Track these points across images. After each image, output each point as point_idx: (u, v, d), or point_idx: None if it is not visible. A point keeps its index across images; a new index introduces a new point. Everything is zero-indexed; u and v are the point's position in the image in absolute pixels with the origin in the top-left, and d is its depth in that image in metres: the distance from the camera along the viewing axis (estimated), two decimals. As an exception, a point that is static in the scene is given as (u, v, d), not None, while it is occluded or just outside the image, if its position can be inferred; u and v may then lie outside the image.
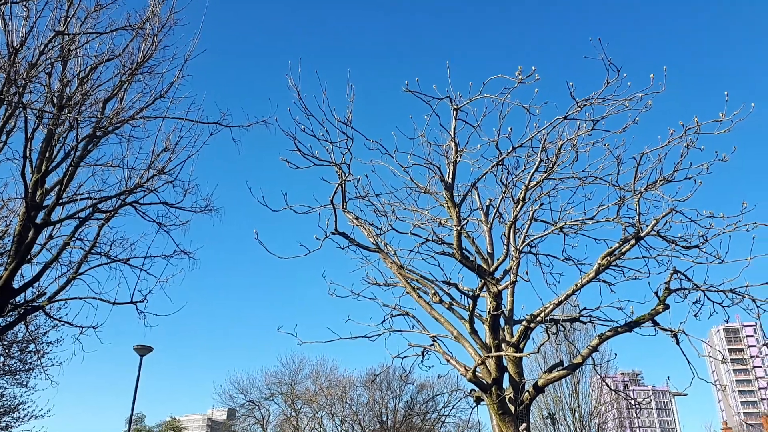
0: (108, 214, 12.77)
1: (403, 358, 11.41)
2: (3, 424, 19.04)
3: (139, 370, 23.10)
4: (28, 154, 11.28)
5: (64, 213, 12.62)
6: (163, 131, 12.79)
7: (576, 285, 10.30)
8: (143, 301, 12.91)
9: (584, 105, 9.56)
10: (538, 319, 10.64)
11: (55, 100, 11.23)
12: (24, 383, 18.95)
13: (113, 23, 11.91)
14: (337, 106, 10.45)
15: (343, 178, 10.73)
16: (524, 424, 10.06)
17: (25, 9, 10.53)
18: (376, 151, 10.78)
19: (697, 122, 9.05)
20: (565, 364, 11.02)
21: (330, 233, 10.93)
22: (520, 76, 9.31)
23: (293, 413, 46.77)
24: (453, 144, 10.45)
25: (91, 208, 12.51)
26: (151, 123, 12.70)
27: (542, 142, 9.90)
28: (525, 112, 9.79)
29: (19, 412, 19.17)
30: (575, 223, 10.90)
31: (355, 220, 11.47)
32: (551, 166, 10.17)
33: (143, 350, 23.14)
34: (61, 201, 12.02)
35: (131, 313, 12.95)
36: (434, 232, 11.25)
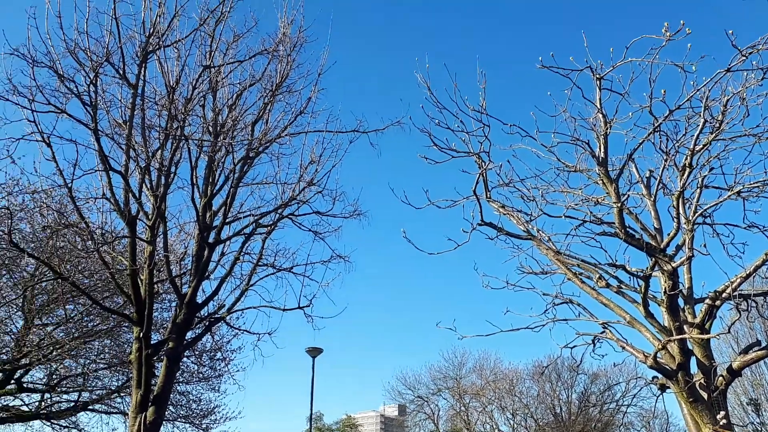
0: (269, 227, 13.67)
1: (572, 348, 10.79)
2: (204, 425, 21.28)
3: (313, 371, 24.60)
4: (195, 181, 12.44)
5: (231, 231, 13.75)
6: (307, 145, 13.49)
7: (766, 254, 8.97)
8: (309, 306, 13.68)
9: (750, 53, 8.23)
10: (724, 295, 9.45)
11: (210, 128, 12.30)
12: (216, 388, 21.06)
13: (251, 50, 12.78)
14: (470, 96, 10.14)
15: (484, 167, 10.37)
16: (722, 413, 8.96)
17: (176, 50, 11.65)
18: (515, 135, 10.29)
19: None
20: (763, 344, 9.67)
21: (476, 225, 10.63)
22: (667, 33, 8.26)
23: (462, 408, 46.82)
24: (600, 116, 9.62)
25: (253, 224, 13.49)
26: (296, 139, 13.45)
27: (704, 101, 8.70)
28: (679, 71, 8.67)
29: (215, 415, 21.28)
30: (755, 185, 9.52)
31: (501, 209, 11.05)
32: (718, 125, 8.91)
33: (314, 352, 24.61)
34: (227, 220, 13.13)
35: (301, 318, 13.76)
36: (591, 213, 10.45)
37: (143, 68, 11.23)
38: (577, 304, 11.07)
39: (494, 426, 45.86)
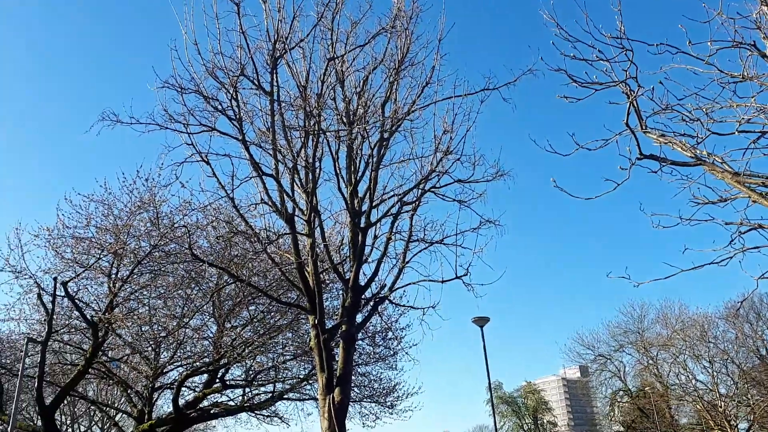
0: (414, 204, 13.81)
1: (769, 278, 9.50)
2: (388, 402, 22.23)
3: (483, 341, 24.47)
4: (338, 171, 12.94)
5: (379, 213, 14.12)
6: (438, 115, 13.35)
7: None
8: (466, 275, 13.63)
9: None
10: None
11: (343, 118, 12.67)
12: (393, 366, 21.88)
13: (369, 33, 12.92)
14: (604, 24, 9.26)
15: (632, 95, 9.44)
16: None
17: (301, 50, 12.15)
18: (664, 55, 9.17)
19: None
20: None
21: (635, 160, 9.72)
22: None
23: (650, 361, 44.01)
24: (766, 8, 8.27)
25: (399, 203, 13.72)
26: (426, 111, 13.38)
27: None
28: None
29: (396, 392, 22.13)
30: None
31: (660, 138, 9.99)
32: None
33: (481, 321, 24.44)
34: (374, 203, 13.49)
35: (462, 289, 13.70)
36: (770, 120, 9.07)
37: (275, 74, 11.88)
38: (768, 229, 9.73)
39: (690, 376, 42.55)
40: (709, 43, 9.20)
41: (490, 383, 28.26)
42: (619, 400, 49.68)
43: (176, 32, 11.43)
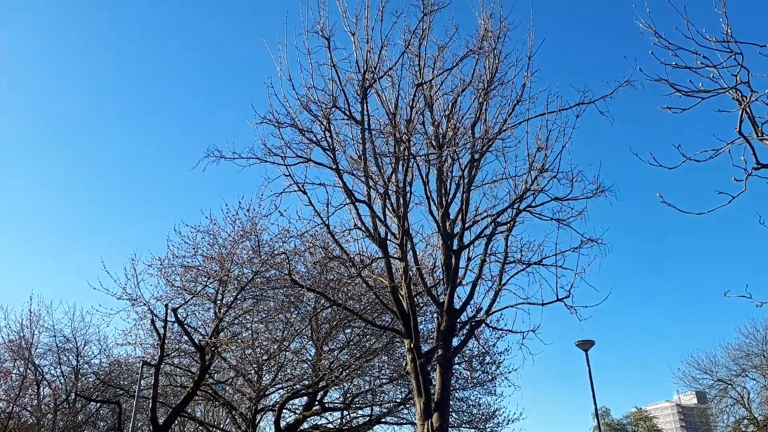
0: (508, 224, 13.53)
1: None
2: (488, 429, 21.58)
3: (588, 365, 23.26)
4: (429, 195, 12.97)
5: (472, 235, 13.96)
6: (530, 133, 13.08)
7: None
8: (568, 297, 13.07)
9: None
10: None
11: (433, 142, 12.71)
12: (492, 392, 21.25)
13: (456, 56, 12.96)
14: (708, 27, 8.71)
15: (744, 100, 8.74)
16: None
17: (389, 78, 12.40)
18: (779, 54, 8.49)
19: None
20: None
21: (751, 170, 8.96)
22: None
23: (777, 387, 39.96)
24: None
25: (492, 224, 13.48)
26: (518, 129, 13.16)
27: None
28: None
29: (497, 418, 21.45)
30: None
31: (780, 144, 9.19)
32: None
33: (585, 344, 23.28)
34: (466, 225, 13.36)
35: (563, 311, 13.16)
36: None
37: (365, 103, 12.19)
38: None
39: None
40: (833, 39, 8.41)
41: (596, 409, 26.76)
42: (743, 429, 45.44)
43: (271, 70, 12.03)
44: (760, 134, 9.14)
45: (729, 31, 8.64)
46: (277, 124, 11.59)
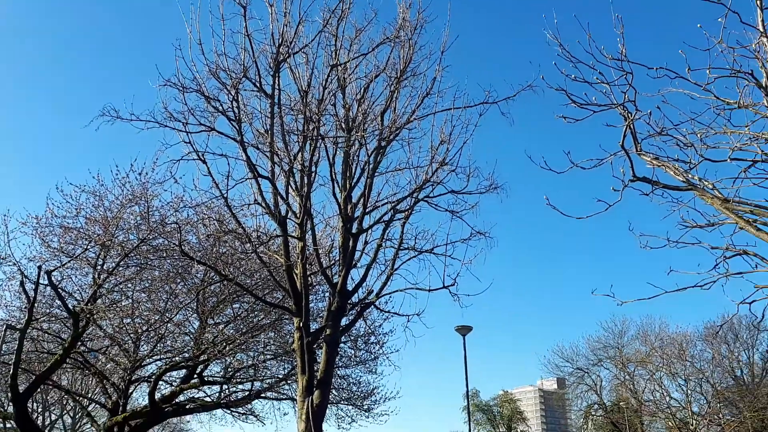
0: (406, 212, 13.90)
1: (750, 303, 9.77)
2: (365, 406, 22.29)
3: (465, 349, 24.67)
4: (334, 177, 12.99)
5: (371, 220, 14.21)
6: (435, 126, 13.48)
7: None
8: (454, 285, 13.76)
9: None
10: None
11: (343, 125, 12.72)
12: (373, 371, 21.96)
13: (373, 41, 13.00)
14: (606, 45, 9.42)
15: (630, 117, 9.61)
16: None
17: (304, 55, 12.19)
18: (663, 79, 9.36)
19: None
20: None
21: (628, 181, 9.89)
22: None
23: (627, 377, 44.55)
24: (765, 39, 8.48)
25: (391, 211, 13.81)
26: (425, 121, 13.51)
27: None
28: None
29: (375, 396, 22.19)
30: None
31: (654, 161, 10.17)
32: None
33: (464, 330, 24.67)
34: (366, 210, 13.57)
35: (447, 298, 13.82)
36: (762, 151, 9.28)
37: (277, 78, 11.89)
38: (753, 255, 9.94)
39: (664, 393, 43.12)
40: (707, 71, 9.40)
41: (468, 391, 28.47)
42: (593, 413, 50.19)
43: (181, 31, 11.40)
44: (639, 150, 10.07)
45: (624, 50, 9.40)
46: (181, 89, 11.02)
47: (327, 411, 13.74)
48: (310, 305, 15.11)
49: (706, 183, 9.72)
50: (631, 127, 9.68)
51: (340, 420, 22.30)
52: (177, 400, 20.28)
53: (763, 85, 8.75)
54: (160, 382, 19.72)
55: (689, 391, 42.05)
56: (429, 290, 13.84)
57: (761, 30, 8.40)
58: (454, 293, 13.78)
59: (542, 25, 9.66)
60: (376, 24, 13.00)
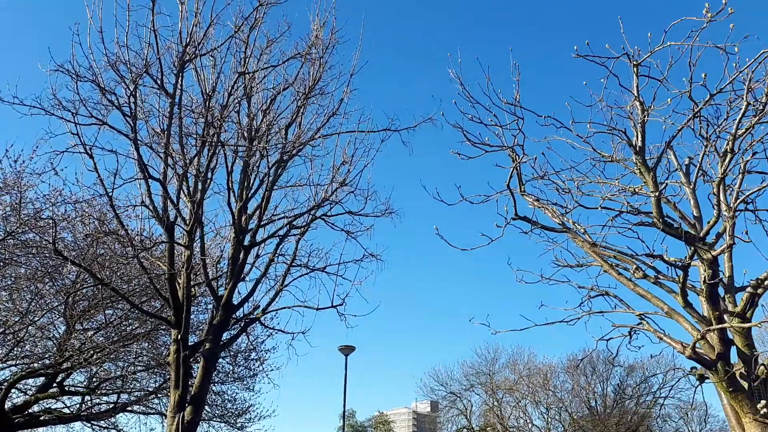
0: (302, 229, 13.90)
1: (607, 341, 10.77)
2: (239, 424, 21.65)
3: (346, 369, 24.79)
4: (230, 186, 12.72)
5: (266, 233, 14.02)
6: (339, 146, 13.69)
7: (811, 240, 8.80)
8: (342, 304, 13.90)
9: (797, 30, 8.08)
10: (767, 283, 9.29)
11: (245, 134, 12.54)
12: (251, 388, 21.41)
13: (284, 54, 13.01)
14: (503, 89, 10.16)
15: (517, 160, 10.37)
16: (763, 401, 8.83)
17: (212, 58, 11.92)
18: (550, 127, 10.26)
19: None
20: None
21: (510, 219, 10.63)
22: (708, 14, 8.16)
23: (495, 403, 46.68)
24: (638, 103, 9.54)
25: (287, 226, 13.73)
26: (329, 140, 13.68)
27: (747, 83, 8.55)
28: (720, 53, 8.56)
29: (250, 414, 21.63)
30: (800, 169, 9.32)
31: (535, 202, 11.02)
32: (762, 107, 8.76)
33: (347, 350, 24.82)
34: (262, 223, 13.38)
35: (334, 317, 13.91)
36: (628, 203, 10.35)
37: (180, 78, 11.52)
38: (613, 296, 10.99)
39: (528, 420, 45.64)
40: (588, 124, 10.42)
41: (345, 411, 28.52)
42: (462, 437, 51.97)
43: (80, 15, 10.75)
44: (523, 191, 10.87)
45: (518, 97, 10.18)
46: (75, 77, 10.32)
47: (198, 428, 13.26)
48: (191, 316, 14.55)
49: (579, 227, 10.67)
50: (518, 169, 10.45)
51: (211, 438, 21.50)
52: (30, 411, 18.52)
53: (633, 143, 9.82)
54: (13, 390, 17.94)
55: (549, 419, 44.87)
56: (317, 309, 13.87)
57: (635, 94, 9.46)
58: (341, 313, 13.93)
59: (447, 63, 10.24)
60: (288, 38, 13.05)
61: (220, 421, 21.63)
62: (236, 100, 12.39)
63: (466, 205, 10.78)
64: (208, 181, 12.29)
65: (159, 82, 11.26)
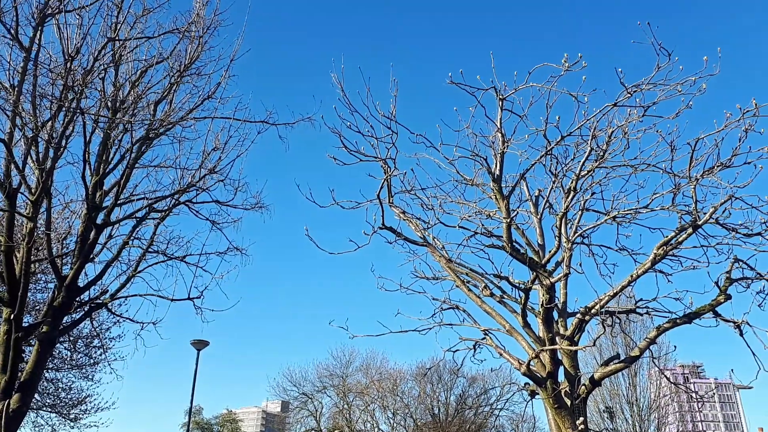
0: (163, 213, 13.19)
1: (454, 352, 11.31)
2: (72, 416, 20.01)
3: (197, 364, 23.85)
4: (87, 158, 11.77)
5: (123, 213, 13.12)
6: (212, 131, 13.16)
7: (631, 276, 9.97)
8: (200, 297, 13.34)
9: (634, 91, 9.21)
10: (593, 311, 10.35)
11: (109, 104, 11.66)
12: (90, 377, 19.90)
13: (161, 27, 12.27)
14: (382, 101, 10.42)
15: (389, 173, 10.69)
16: (581, 418, 9.83)
17: (78, 17, 10.95)
18: (421, 145, 10.69)
19: (756, 105, 8.55)
20: (622, 357, 10.69)
21: (377, 228, 10.91)
22: (566, 64, 9.03)
23: (345, 406, 47.32)
24: (500, 135, 10.26)
25: (147, 208, 12.96)
26: (201, 123, 13.07)
27: (592, 130, 9.58)
28: (573, 100, 9.50)
29: (86, 405, 20.10)
30: (629, 212, 10.54)
31: (402, 215, 11.42)
32: (602, 154, 9.83)
33: (200, 344, 23.86)
34: (119, 202, 12.50)
35: (189, 309, 13.36)
36: (483, 225, 11.08)
37: (39, 32, 10.48)
38: (462, 310, 11.61)
39: (375, 424, 46.80)
40: (455, 148, 11.02)
41: (191, 407, 27.38)
42: (310, 439, 52.05)
43: None
44: (391, 202, 11.23)
45: (394, 111, 10.50)
46: None
47: (24, 418, 12.08)
48: (28, 294, 13.25)
49: (438, 242, 11.22)
50: (389, 181, 10.78)
51: (38, 428, 19.75)
52: None
53: (492, 171, 10.54)
54: None
55: (395, 424, 46.36)
56: (172, 299, 13.24)
57: (498, 126, 10.16)
58: (198, 306, 13.39)
59: (330, 67, 10.32)
60: (168, 10, 12.30)
61: (50, 411, 19.93)
62: (102, 67, 11.45)
63: (337, 209, 10.91)
64: (62, 149, 11.27)
65: (13, 32, 10.17)
